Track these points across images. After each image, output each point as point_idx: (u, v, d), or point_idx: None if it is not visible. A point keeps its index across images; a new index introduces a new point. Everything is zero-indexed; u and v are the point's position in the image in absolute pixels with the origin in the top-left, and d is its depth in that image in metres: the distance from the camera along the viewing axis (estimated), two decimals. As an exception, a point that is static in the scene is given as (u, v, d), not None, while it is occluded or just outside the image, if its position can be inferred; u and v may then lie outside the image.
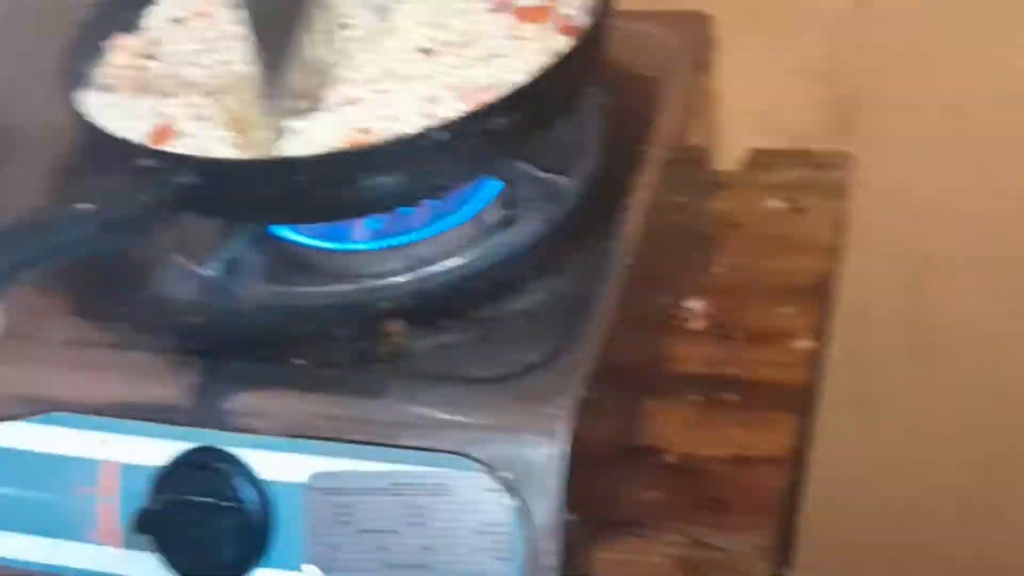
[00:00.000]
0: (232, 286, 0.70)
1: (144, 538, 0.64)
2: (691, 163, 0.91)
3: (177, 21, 0.81)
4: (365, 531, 0.63)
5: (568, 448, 0.61)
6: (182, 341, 0.69)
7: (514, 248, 0.72)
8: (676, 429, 0.78)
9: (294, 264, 0.74)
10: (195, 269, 0.72)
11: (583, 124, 0.79)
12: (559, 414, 0.61)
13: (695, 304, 0.86)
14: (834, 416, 1.03)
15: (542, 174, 0.71)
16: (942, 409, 1.10)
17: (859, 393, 1.08)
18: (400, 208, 0.70)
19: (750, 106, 0.99)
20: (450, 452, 0.62)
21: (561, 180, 0.71)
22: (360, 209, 0.68)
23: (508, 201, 0.76)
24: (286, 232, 0.74)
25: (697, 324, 0.85)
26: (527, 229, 0.72)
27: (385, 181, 0.65)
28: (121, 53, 0.78)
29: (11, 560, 0.68)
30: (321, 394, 0.65)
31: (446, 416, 0.62)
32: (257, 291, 0.71)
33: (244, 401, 0.65)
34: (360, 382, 0.65)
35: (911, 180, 1.01)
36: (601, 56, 0.74)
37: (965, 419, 1.10)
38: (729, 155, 1.00)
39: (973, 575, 1.19)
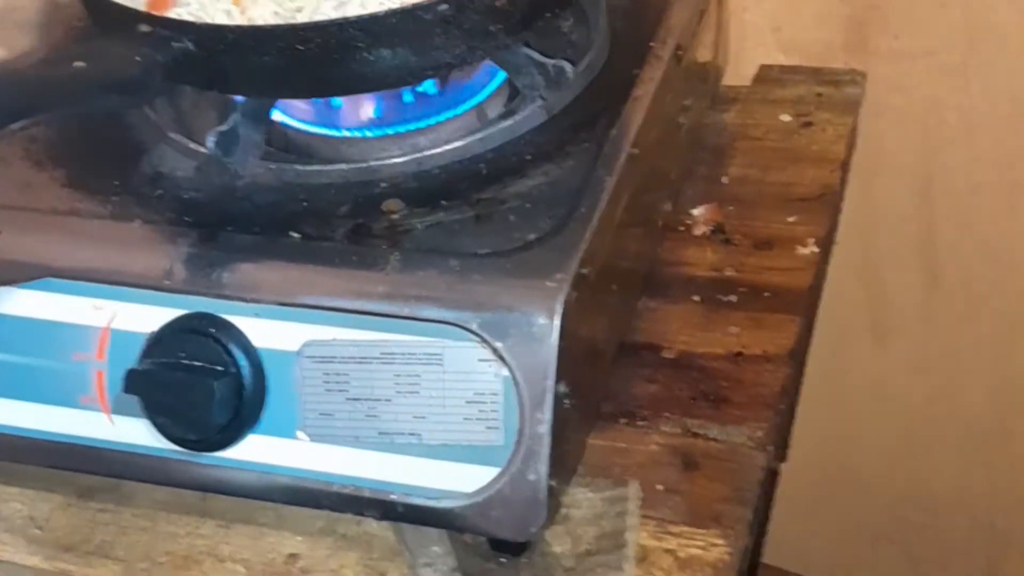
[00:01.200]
0: (230, 163, 0.70)
1: (133, 402, 0.64)
2: (701, 78, 0.91)
3: None
4: (357, 399, 0.63)
5: (561, 320, 0.60)
6: (178, 214, 0.68)
7: (515, 134, 0.71)
8: (676, 327, 0.78)
9: (296, 148, 0.74)
10: (193, 146, 0.72)
11: (589, 18, 0.78)
12: (553, 286, 0.61)
13: (700, 210, 0.86)
14: (842, 342, 1.03)
15: (546, 59, 0.71)
16: (954, 335, 1.09)
17: (867, 318, 1.08)
18: (400, 84, 0.69)
19: (763, 22, 0.98)
20: (443, 323, 0.61)
21: (566, 66, 0.71)
22: (360, 83, 0.67)
23: (513, 90, 0.75)
24: (286, 117, 0.74)
25: (701, 230, 0.85)
26: (528, 115, 0.72)
27: (385, 54, 0.64)
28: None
29: (5, 427, 0.68)
30: (316, 264, 0.64)
31: (441, 287, 0.62)
32: (255, 168, 0.70)
33: (239, 271, 0.65)
34: (356, 254, 0.64)
35: (924, 101, 0.99)
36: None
37: (978, 346, 1.09)
38: (740, 72, 0.99)
39: (980, 505, 1.18)
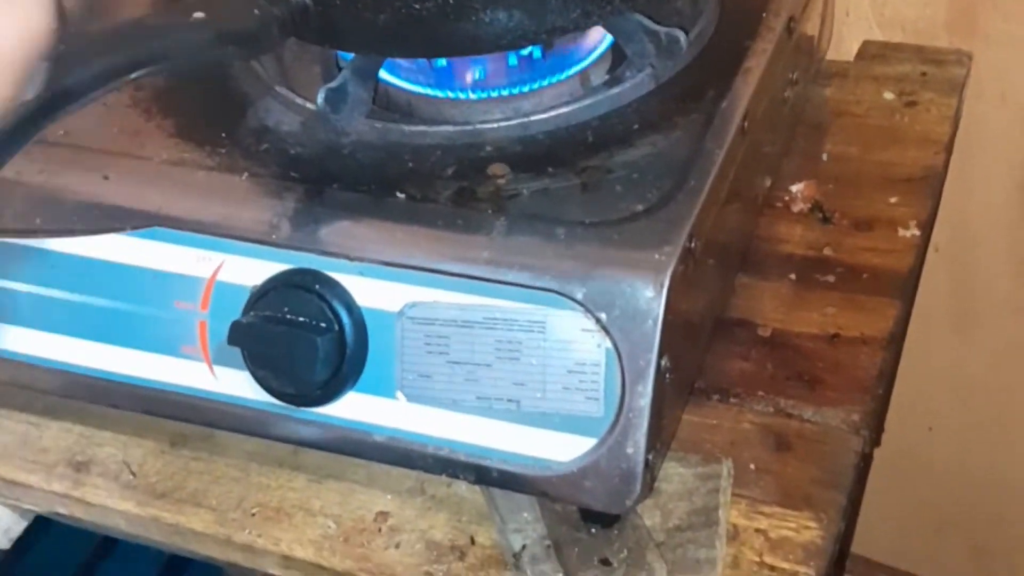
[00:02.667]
0: (337, 119, 0.70)
1: (235, 353, 0.64)
2: (807, 51, 0.89)
3: None
4: (457, 363, 0.63)
5: (667, 294, 0.60)
6: (284, 169, 0.69)
7: (622, 102, 0.71)
8: (771, 305, 0.77)
9: (398, 108, 0.74)
10: (299, 101, 0.72)
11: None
12: (661, 259, 0.60)
13: (798, 187, 0.85)
14: (928, 330, 1.02)
15: (658, 27, 0.70)
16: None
17: (951, 304, 1.06)
18: (512, 47, 0.69)
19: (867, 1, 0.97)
20: (547, 290, 0.61)
21: (679, 34, 0.70)
22: (472, 45, 0.67)
23: (616, 58, 0.74)
24: (389, 76, 0.74)
25: (799, 207, 0.84)
26: (636, 83, 0.71)
27: (501, 15, 0.64)
28: None
29: (105, 372, 0.69)
30: (421, 226, 0.64)
31: (547, 254, 0.61)
32: (361, 126, 0.70)
33: (344, 228, 0.65)
34: (461, 217, 0.64)
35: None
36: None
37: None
38: (842, 47, 0.98)
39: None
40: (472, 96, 0.73)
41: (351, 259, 0.64)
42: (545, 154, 0.68)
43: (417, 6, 0.63)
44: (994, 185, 1.03)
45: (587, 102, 0.70)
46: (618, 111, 0.70)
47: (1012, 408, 1.14)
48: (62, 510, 0.73)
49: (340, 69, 0.73)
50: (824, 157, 0.87)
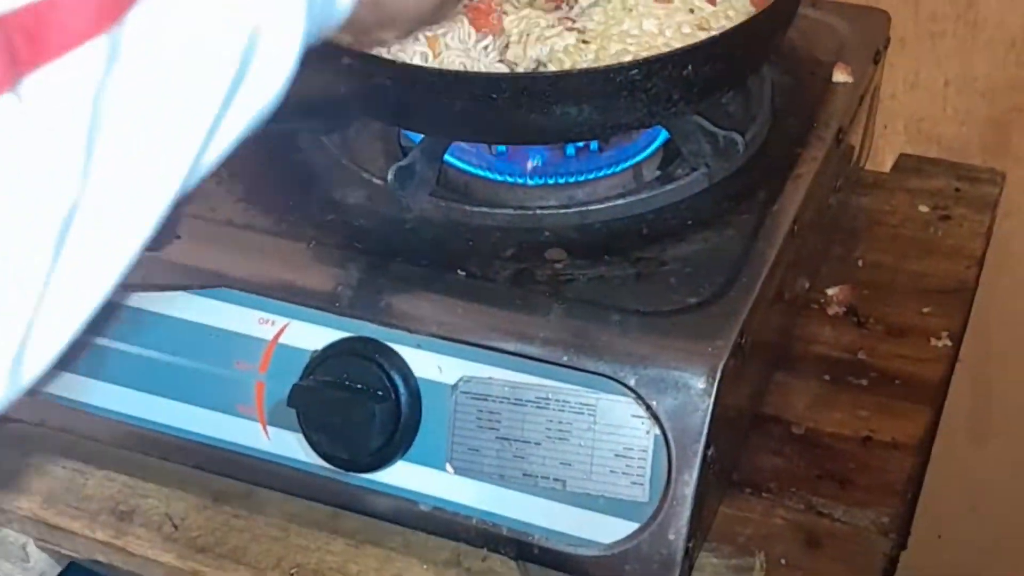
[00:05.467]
0: (403, 196, 0.72)
1: (290, 416, 0.66)
2: (848, 159, 0.92)
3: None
4: (507, 439, 0.65)
5: (718, 386, 0.62)
6: (349, 240, 0.71)
7: (676, 198, 0.73)
8: (805, 404, 0.79)
9: (455, 188, 0.76)
10: (365, 175, 0.75)
11: (752, 94, 0.80)
12: (714, 353, 0.62)
13: (834, 290, 0.87)
14: (944, 437, 1.04)
15: (716, 129, 0.73)
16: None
17: (968, 414, 1.08)
18: (577, 139, 0.72)
19: (907, 111, 1.00)
20: (600, 375, 0.63)
21: (736, 138, 0.73)
22: (541, 135, 0.70)
23: (668, 153, 0.77)
24: (453, 159, 0.77)
25: (835, 310, 0.86)
26: (691, 181, 0.74)
27: (571, 110, 0.67)
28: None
29: (159, 424, 0.71)
30: (479, 303, 0.66)
31: (601, 339, 0.64)
32: (424, 204, 0.73)
33: (404, 301, 0.67)
34: (519, 298, 0.67)
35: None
36: (788, 25, 0.75)
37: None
38: (877, 158, 1.01)
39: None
40: (529, 182, 0.76)
41: (410, 331, 0.66)
42: (601, 243, 0.71)
43: (494, 96, 0.66)
44: (1018, 300, 1.05)
45: (643, 196, 0.73)
46: (672, 206, 0.73)
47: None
48: (102, 558, 0.74)
49: (402, 147, 0.76)
50: (859, 263, 0.90)
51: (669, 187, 0.74)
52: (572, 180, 0.76)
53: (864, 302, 0.87)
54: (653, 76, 0.66)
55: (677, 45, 0.71)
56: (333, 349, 0.66)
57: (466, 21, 0.74)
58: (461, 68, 0.71)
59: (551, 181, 0.76)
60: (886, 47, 0.90)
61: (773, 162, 0.76)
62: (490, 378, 0.65)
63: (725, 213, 0.72)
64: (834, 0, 0.91)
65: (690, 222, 0.72)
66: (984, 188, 0.97)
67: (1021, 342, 1.08)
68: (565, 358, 0.64)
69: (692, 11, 0.74)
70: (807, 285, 0.85)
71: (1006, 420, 1.11)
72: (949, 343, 0.83)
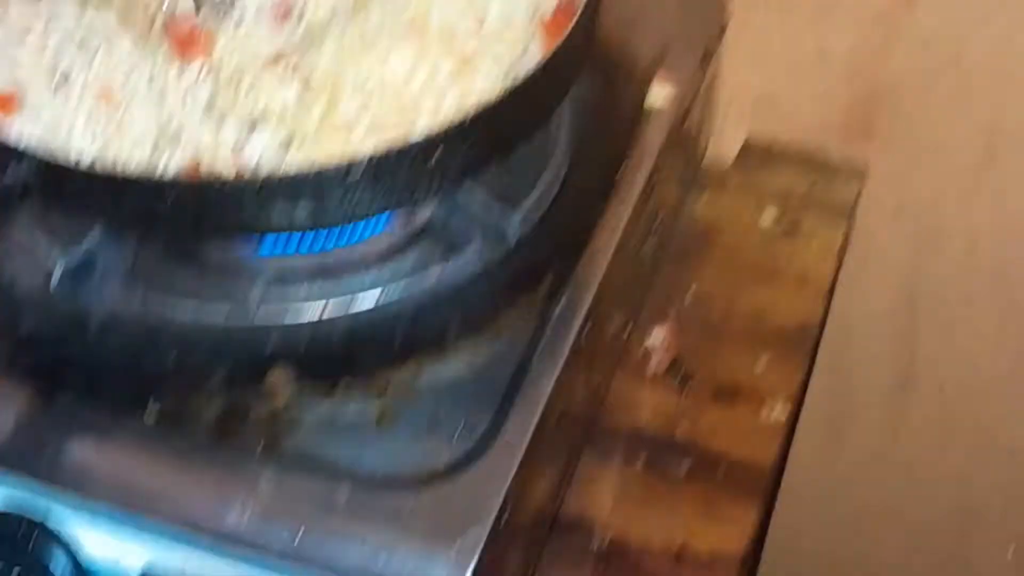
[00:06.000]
0: (83, 290, 0.56)
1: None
2: (679, 159, 0.77)
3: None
4: (203, 650, 0.50)
5: (470, 583, 0.48)
6: (12, 354, 0.55)
7: (444, 285, 0.58)
8: (612, 500, 0.66)
9: (167, 260, 0.59)
10: (57, 255, 0.57)
11: (558, 124, 0.64)
12: (463, 549, 0.48)
13: (657, 337, 0.73)
14: (807, 443, 0.92)
15: (484, 207, 0.57)
16: (922, 450, 0.99)
17: (836, 422, 0.97)
18: (300, 230, 0.56)
19: (755, 91, 0.85)
20: (321, 566, 0.49)
21: (504, 224, 0.57)
22: (244, 229, 0.54)
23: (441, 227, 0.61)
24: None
25: (656, 362, 0.72)
26: (464, 264, 0.58)
27: (282, 208, 0.51)
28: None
29: None
30: (175, 463, 0.51)
31: (319, 525, 0.49)
32: (115, 296, 0.56)
33: (74, 458, 0.52)
34: (222, 458, 0.52)
35: (925, 201, 0.87)
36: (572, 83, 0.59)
37: (946, 464, 0.98)
38: (724, 144, 0.86)
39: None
40: (266, 255, 0.59)
41: (82, 499, 0.51)
42: (339, 359, 0.56)
43: (168, 203, 0.49)
44: (882, 294, 0.93)
45: (398, 286, 0.57)
46: (436, 301, 0.57)
47: (876, 522, 1.06)
48: None
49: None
50: (687, 297, 0.76)
51: (432, 273, 0.58)
52: (320, 248, 0.60)
53: (690, 352, 0.73)
54: (388, 171, 0.50)
55: (428, 101, 0.54)
56: (-20, 524, 0.51)
57: (165, 48, 0.57)
58: (153, 125, 0.54)
59: (291, 251, 0.59)
60: (720, 37, 0.74)
61: (564, 231, 0.60)
62: (182, 570, 0.50)
63: (498, 314, 0.57)
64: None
65: (454, 326, 0.57)
66: (840, 189, 0.83)
67: (882, 336, 0.95)
68: (274, 547, 0.49)
69: (452, 41, 0.57)
70: (625, 325, 0.71)
71: (866, 417, 1.00)
72: (783, 415, 0.70)
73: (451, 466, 0.51)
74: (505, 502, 0.50)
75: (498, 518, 0.49)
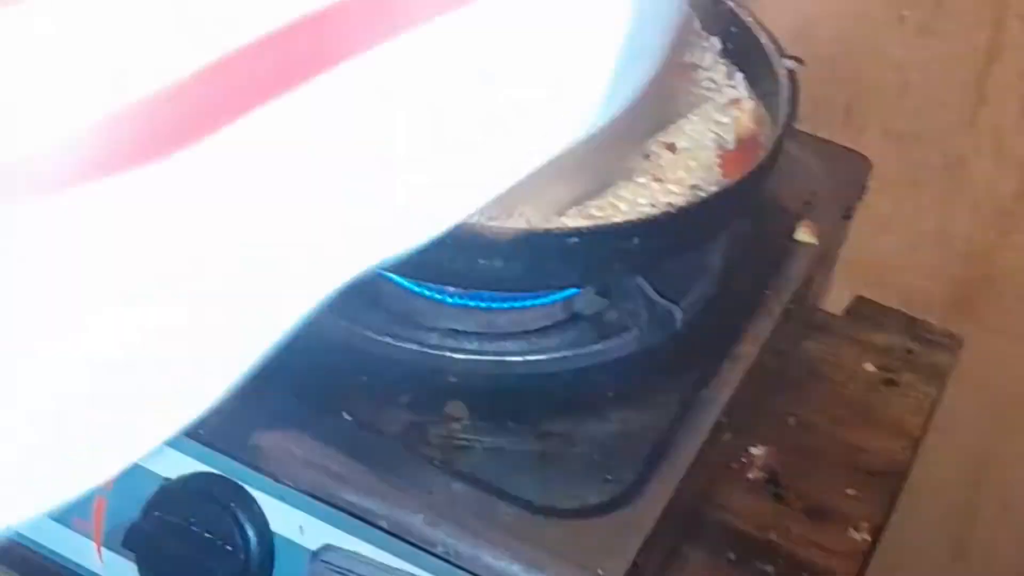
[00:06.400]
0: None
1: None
2: (811, 287, 0.85)
3: None
4: (362, 625, 0.58)
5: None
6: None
7: (604, 359, 0.66)
8: (701, 586, 0.73)
9: (362, 296, 0.68)
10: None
11: (714, 246, 0.73)
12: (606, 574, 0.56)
13: (759, 450, 0.80)
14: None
15: (656, 296, 0.66)
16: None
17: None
18: (498, 290, 0.64)
19: (874, 255, 0.93)
20: (476, 572, 0.56)
21: (674, 311, 0.65)
22: (456, 280, 0.62)
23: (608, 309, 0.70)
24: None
25: (755, 474, 0.80)
26: (624, 343, 0.67)
27: (495, 264, 0.59)
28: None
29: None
30: (359, 461, 0.59)
31: (483, 536, 0.57)
32: (324, 318, 0.65)
33: (275, 442, 0.60)
34: (405, 464, 0.59)
35: (1014, 383, 0.94)
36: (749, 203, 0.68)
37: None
38: (835, 293, 0.94)
39: None
40: (448, 300, 0.68)
41: (276, 479, 0.59)
42: (510, 403, 0.64)
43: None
44: (950, 467, 0.99)
45: (566, 354, 0.66)
46: (596, 368, 0.66)
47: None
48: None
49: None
50: (791, 421, 0.83)
51: (596, 347, 0.66)
52: (495, 306, 0.68)
53: (787, 469, 0.80)
54: (593, 246, 0.59)
55: (626, 196, 0.63)
56: (184, 483, 0.59)
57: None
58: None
59: (471, 303, 0.68)
60: (861, 197, 0.83)
61: (714, 332, 0.69)
62: (356, 552, 0.58)
63: (651, 389, 0.65)
64: (814, 135, 0.83)
65: (611, 394, 0.65)
66: (938, 354, 0.91)
67: (946, 505, 1.02)
68: (439, 549, 0.57)
69: (647, 157, 0.66)
70: (731, 438, 0.78)
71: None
72: (868, 538, 0.77)
73: (599, 506, 0.58)
74: (644, 545, 0.57)
75: (636, 559, 0.57)
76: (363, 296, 0.67)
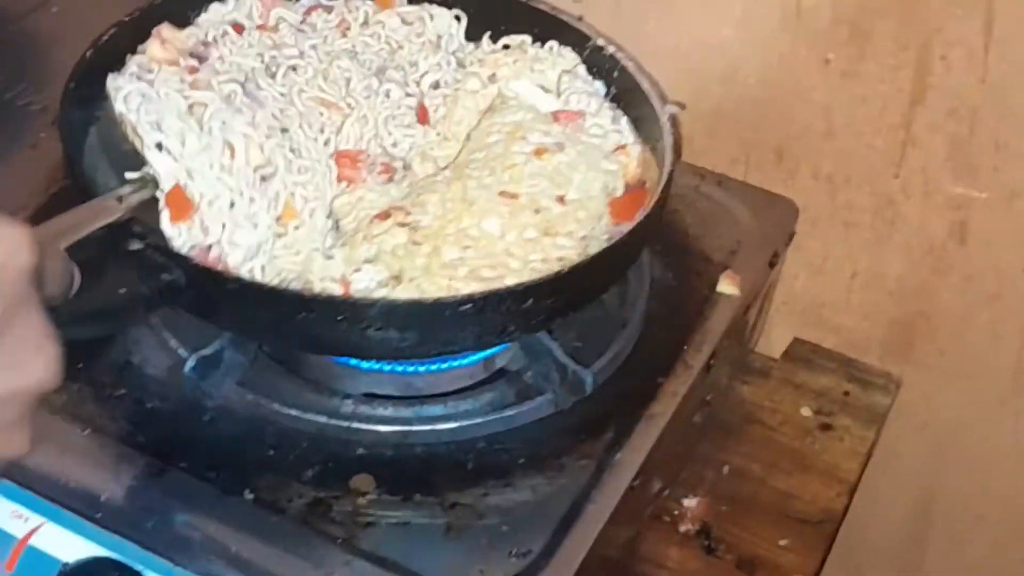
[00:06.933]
0: (205, 382, 0.64)
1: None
2: (737, 336, 0.85)
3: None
4: None
5: None
6: (132, 428, 0.62)
7: (515, 424, 0.65)
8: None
9: (277, 366, 0.67)
10: (174, 345, 0.66)
11: (632, 292, 0.72)
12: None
13: (691, 502, 0.80)
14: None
15: (566, 360, 0.65)
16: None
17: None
18: (397, 360, 0.64)
19: (808, 298, 0.93)
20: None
21: (584, 375, 0.64)
22: (356, 353, 0.62)
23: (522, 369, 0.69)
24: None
25: (687, 527, 0.79)
26: (537, 406, 0.66)
27: (389, 336, 0.58)
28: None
29: None
30: (262, 542, 0.58)
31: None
32: (230, 392, 0.64)
33: (176, 525, 0.59)
34: (307, 543, 0.58)
35: (950, 423, 0.93)
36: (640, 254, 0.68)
37: None
38: (773, 334, 0.93)
39: None
40: (364, 367, 0.67)
41: (175, 563, 0.58)
42: (419, 472, 0.63)
43: (304, 315, 0.57)
44: (896, 505, 0.99)
45: (478, 420, 0.65)
46: (509, 435, 0.65)
47: None
48: None
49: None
50: (725, 470, 0.83)
51: (509, 412, 0.65)
52: (410, 371, 0.67)
53: (720, 520, 0.79)
54: (486, 311, 0.58)
55: (518, 253, 0.63)
56: (82, 567, 0.58)
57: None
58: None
59: (386, 368, 0.67)
60: (788, 243, 0.82)
61: (629, 392, 0.68)
62: (258, 637, 0.57)
63: (563, 454, 0.64)
64: (742, 182, 0.83)
65: (522, 460, 0.64)
66: (875, 396, 0.90)
67: (893, 543, 1.01)
68: (341, 632, 0.56)
69: (538, 211, 0.65)
70: (664, 487, 0.78)
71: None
72: (802, 590, 0.76)
73: (505, 584, 0.58)
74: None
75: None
76: (278, 366, 0.66)
